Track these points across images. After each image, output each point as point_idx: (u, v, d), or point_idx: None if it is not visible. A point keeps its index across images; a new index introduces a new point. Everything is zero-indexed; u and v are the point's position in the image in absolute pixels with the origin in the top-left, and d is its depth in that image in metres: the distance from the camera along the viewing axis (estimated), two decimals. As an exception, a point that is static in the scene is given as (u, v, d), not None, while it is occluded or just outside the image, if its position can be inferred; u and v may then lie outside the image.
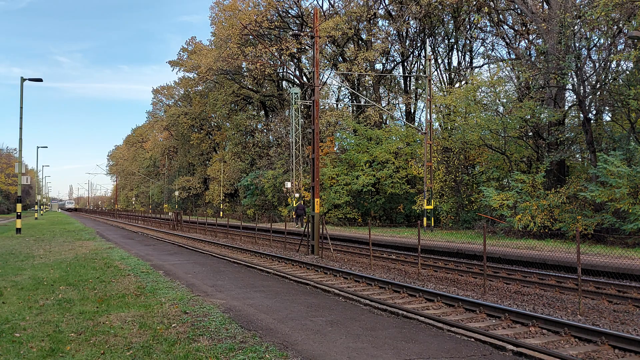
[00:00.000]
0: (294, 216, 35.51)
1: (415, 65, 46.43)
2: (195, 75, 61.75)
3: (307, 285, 12.31)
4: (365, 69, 41.81)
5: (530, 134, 27.42)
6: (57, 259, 17.25)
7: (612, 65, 24.77)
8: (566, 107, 27.03)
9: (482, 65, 46.09)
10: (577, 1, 25.69)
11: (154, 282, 12.22)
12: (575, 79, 24.12)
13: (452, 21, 40.73)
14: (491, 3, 35.71)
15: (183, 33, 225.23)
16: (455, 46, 42.71)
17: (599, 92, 24.90)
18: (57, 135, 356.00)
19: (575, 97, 25.10)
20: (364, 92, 46.19)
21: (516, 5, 31.82)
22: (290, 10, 48.79)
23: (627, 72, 23.51)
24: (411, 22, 42.53)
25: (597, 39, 24.96)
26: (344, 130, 43.96)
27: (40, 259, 17.32)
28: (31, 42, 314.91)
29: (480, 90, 30.17)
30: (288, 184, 41.70)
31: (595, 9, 21.38)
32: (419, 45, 44.24)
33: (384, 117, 44.52)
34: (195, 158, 78.83)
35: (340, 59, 46.51)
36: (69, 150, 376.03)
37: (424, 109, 39.61)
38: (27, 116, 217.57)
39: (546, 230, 21.93)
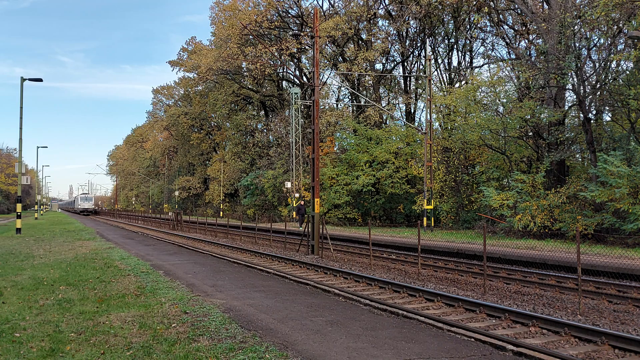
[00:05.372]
0: (297, 216, 35.30)
1: (415, 65, 46.44)
2: (195, 75, 61.72)
3: (307, 285, 12.31)
4: (365, 69, 41.79)
5: (530, 134, 27.41)
6: (57, 259, 17.25)
7: (612, 65, 24.78)
8: (566, 107, 27.02)
9: (482, 65, 46.14)
10: (577, 1, 25.69)
11: (154, 282, 12.22)
12: (575, 79, 24.12)
13: (452, 21, 40.72)
14: (491, 3, 35.70)
15: (185, 33, 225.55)
16: (455, 46, 42.72)
17: (599, 92, 24.90)
18: (57, 135, 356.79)
19: (575, 97, 25.10)
20: (364, 92, 46.17)
21: (516, 5, 31.82)
22: (290, 10, 48.79)
23: (627, 72, 23.51)
24: (411, 22, 42.52)
25: (597, 39, 24.97)
26: (344, 130, 43.94)
27: (40, 259, 17.32)
28: (33, 42, 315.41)
29: (480, 90, 30.17)
30: (288, 184, 41.69)
31: (595, 9, 21.38)
32: (419, 45, 44.23)
33: (384, 117, 44.50)
34: (195, 158, 78.80)
35: (340, 59, 46.49)
36: (69, 150, 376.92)
37: (424, 109, 39.66)
38: (27, 116, 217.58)
39: (546, 230, 21.92)
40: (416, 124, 43.07)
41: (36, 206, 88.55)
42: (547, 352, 6.86)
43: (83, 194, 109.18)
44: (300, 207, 34.77)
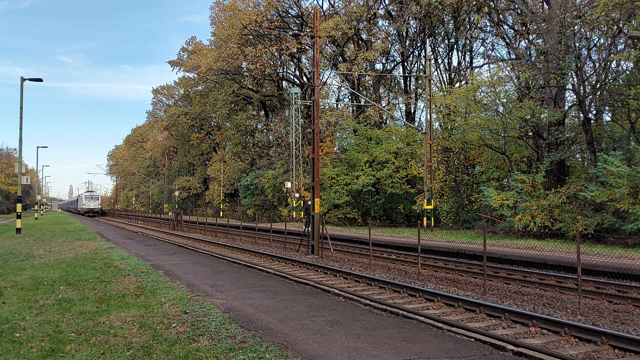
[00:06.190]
0: (305, 216, 34.83)
1: (415, 65, 46.45)
2: (195, 75, 61.73)
3: (307, 285, 12.31)
4: (365, 69, 41.80)
5: (530, 134, 27.42)
6: (57, 259, 17.25)
7: (612, 65, 24.78)
8: (566, 107, 27.03)
9: (482, 65, 46.14)
10: (577, 1, 25.69)
11: (154, 282, 12.21)
12: (575, 79, 24.12)
13: (452, 21, 40.73)
14: (491, 3, 35.71)
15: (186, 33, 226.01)
16: (455, 46, 42.72)
17: (599, 92, 24.90)
18: (57, 135, 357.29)
19: (575, 97, 25.10)
20: (364, 92, 46.18)
21: (516, 5, 31.82)
22: (290, 10, 48.79)
23: (627, 72, 23.51)
24: (411, 22, 42.53)
25: (597, 39, 24.97)
26: (344, 130, 43.95)
27: (40, 259, 17.32)
28: (34, 42, 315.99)
29: (480, 90, 30.18)
30: (288, 184, 41.70)
31: (595, 9, 21.39)
32: (419, 45, 44.24)
33: (384, 117, 44.51)
34: (195, 158, 78.81)
35: (340, 59, 46.50)
36: (69, 150, 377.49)
37: (424, 109, 39.67)
38: (27, 116, 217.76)
39: (546, 230, 21.92)
40: (416, 124, 43.07)
41: (36, 206, 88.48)
42: (547, 352, 6.86)
43: (88, 191, 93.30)
44: (308, 207, 34.50)
